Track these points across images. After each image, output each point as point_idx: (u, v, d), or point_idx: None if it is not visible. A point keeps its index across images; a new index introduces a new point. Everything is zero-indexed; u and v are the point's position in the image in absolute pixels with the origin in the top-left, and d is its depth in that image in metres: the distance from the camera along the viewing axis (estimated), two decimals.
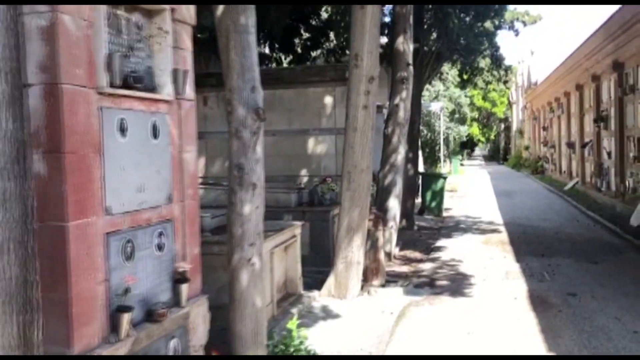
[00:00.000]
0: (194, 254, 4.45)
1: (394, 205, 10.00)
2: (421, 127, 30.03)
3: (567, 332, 5.97)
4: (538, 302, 7.12)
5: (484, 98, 51.58)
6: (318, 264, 8.33)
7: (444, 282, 8.34)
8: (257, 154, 4.53)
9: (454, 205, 17.91)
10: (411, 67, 10.00)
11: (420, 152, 23.91)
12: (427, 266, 9.48)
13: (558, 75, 23.94)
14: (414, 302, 7.25)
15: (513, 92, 48.61)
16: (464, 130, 36.72)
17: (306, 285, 7.41)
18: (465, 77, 19.90)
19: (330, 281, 7.38)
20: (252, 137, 4.52)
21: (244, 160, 4.51)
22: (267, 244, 5.97)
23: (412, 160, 13.61)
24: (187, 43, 4.44)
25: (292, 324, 4.98)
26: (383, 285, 7.90)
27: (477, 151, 68.34)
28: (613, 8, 13.24)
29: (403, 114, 9.92)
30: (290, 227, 6.89)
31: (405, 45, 9.84)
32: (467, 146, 62.98)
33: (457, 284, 8.17)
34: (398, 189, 10.03)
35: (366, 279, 7.82)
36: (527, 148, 38.68)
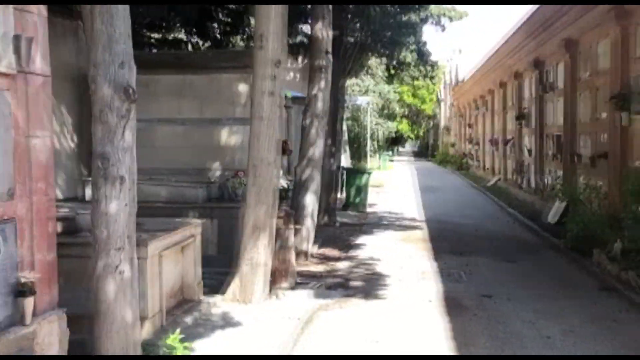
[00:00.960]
0: (46, 260, 3.70)
1: (311, 201, 9.46)
2: (350, 122, 29.91)
3: (480, 338, 5.63)
4: (453, 304, 6.78)
5: (414, 95, 52.27)
6: (226, 265, 7.65)
7: (358, 283, 7.88)
8: (126, 141, 3.82)
9: (379, 201, 17.66)
10: (330, 56, 9.47)
11: (347, 147, 23.66)
12: (343, 265, 9.02)
13: (483, 72, 24.26)
14: (323, 306, 6.74)
15: (442, 89, 49.50)
16: (392, 126, 36.86)
17: (211, 288, 6.75)
18: (392, 71, 19.72)
19: (235, 284, 6.74)
20: (120, 121, 3.80)
21: (110, 148, 3.80)
22: (155, 245, 5.27)
23: (334, 154, 13.16)
24: (40, 7, 3.68)
25: (172, 340, 4.32)
26: (293, 288, 7.34)
27: (408, 147, 69.41)
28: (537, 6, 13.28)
29: (321, 105, 9.39)
30: (187, 226, 6.19)
31: (324, 31, 9.29)
32: (397, 142, 63.85)
33: (372, 285, 7.74)
34: (316, 184, 9.49)
35: (275, 281, 7.23)
36: (453, 145, 39.37)
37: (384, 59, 19.05)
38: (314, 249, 9.97)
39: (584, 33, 11.25)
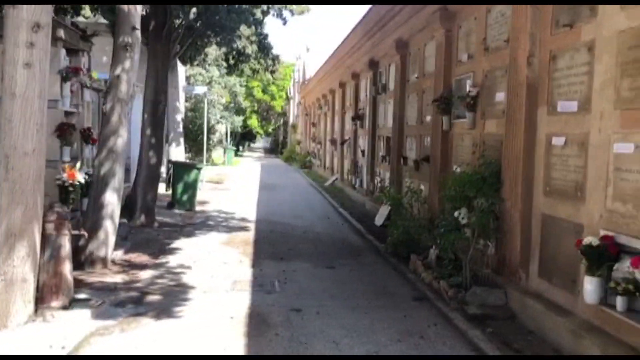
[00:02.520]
0: None
1: (111, 199, 8.14)
2: (193, 114, 28.36)
3: None
4: (256, 322, 5.98)
5: (264, 91, 51.81)
6: None
7: (156, 297, 6.79)
8: None
9: (214, 199, 16.57)
10: (138, 33, 8.23)
11: (182, 139, 22.21)
12: (147, 274, 7.86)
13: (325, 71, 24.21)
14: (101, 329, 5.57)
15: (292, 87, 49.54)
16: (238, 120, 35.85)
17: None
18: (232, 61, 18.77)
19: None
20: None
21: None
22: None
23: (155, 146, 11.85)
24: None
25: None
26: (67, 307, 6.04)
27: (261, 143, 68.84)
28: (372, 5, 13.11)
29: (126, 88, 8.12)
30: None
31: (132, 5, 8.03)
32: (247, 137, 63.02)
33: (171, 299, 6.70)
34: (117, 180, 8.19)
35: (43, 299, 5.90)
36: (299, 143, 39.44)
37: (224, 48, 18.10)
38: (118, 255, 8.69)
39: (413, 34, 11.20)
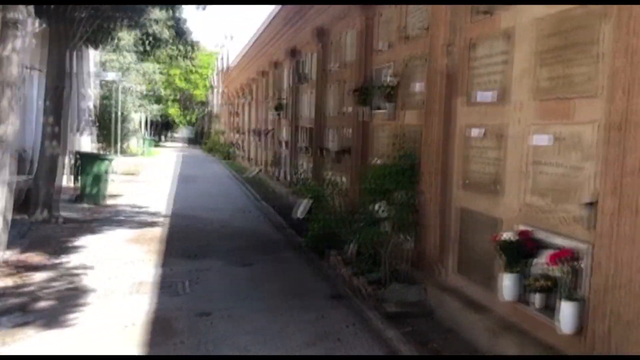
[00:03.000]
0: None
1: (0, 194, 7.30)
2: (107, 102, 26.84)
3: None
4: (160, 328, 5.46)
5: (186, 79, 50.22)
6: None
7: (47, 303, 6.11)
8: None
9: (127, 192, 15.64)
10: (31, 8, 7.40)
11: (93, 129, 20.92)
12: (42, 276, 7.11)
13: (248, 60, 23.58)
14: None
15: (215, 76, 48.29)
16: (157, 109, 34.44)
17: None
18: (147, 47, 17.75)
19: None
20: None
21: None
22: None
23: (57, 135, 10.92)
24: None
25: None
26: None
27: (184, 133, 66.78)
28: None
29: (16, 70, 7.28)
30: None
31: None
32: (168, 127, 61.03)
33: (65, 305, 6.04)
34: (6, 172, 7.35)
35: None
36: (223, 133, 38.51)
37: (137, 32, 17.09)
38: (10, 255, 7.86)
39: (334, 22, 10.89)
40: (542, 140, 4.57)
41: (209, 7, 16.16)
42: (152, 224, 11.09)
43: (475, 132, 5.58)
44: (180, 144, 55.76)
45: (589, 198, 3.96)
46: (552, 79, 4.43)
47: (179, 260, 8.22)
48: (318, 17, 11.45)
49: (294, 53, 14.62)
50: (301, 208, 11.49)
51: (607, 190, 3.71)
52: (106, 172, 13.42)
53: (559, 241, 4.24)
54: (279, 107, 16.74)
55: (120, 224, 11.07)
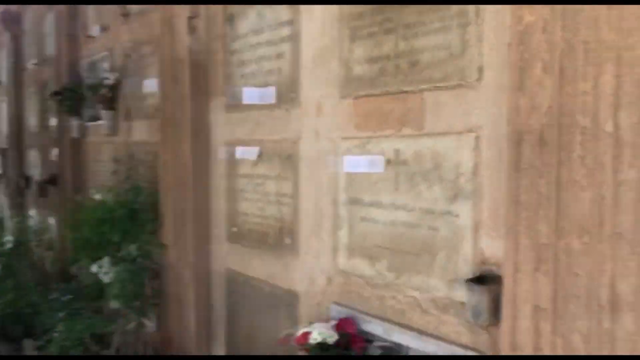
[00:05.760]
0: None
1: None
2: None
3: None
4: None
5: None
6: None
7: None
8: None
9: None
10: None
11: None
12: None
13: None
14: None
15: None
16: None
17: None
18: None
19: None
20: None
21: None
22: None
23: None
24: None
25: None
26: None
27: None
28: None
29: None
30: None
31: None
32: None
33: None
34: None
35: None
36: None
37: None
38: None
39: (27, 4, 7.85)
40: (359, 164, 2.73)
41: None
42: None
43: (244, 152, 3.53)
44: None
45: (473, 269, 2.21)
46: (378, 59, 2.61)
47: None
48: None
49: None
50: None
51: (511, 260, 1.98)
52: None
53: (411, 342, 2.43)
54: None
55: None
